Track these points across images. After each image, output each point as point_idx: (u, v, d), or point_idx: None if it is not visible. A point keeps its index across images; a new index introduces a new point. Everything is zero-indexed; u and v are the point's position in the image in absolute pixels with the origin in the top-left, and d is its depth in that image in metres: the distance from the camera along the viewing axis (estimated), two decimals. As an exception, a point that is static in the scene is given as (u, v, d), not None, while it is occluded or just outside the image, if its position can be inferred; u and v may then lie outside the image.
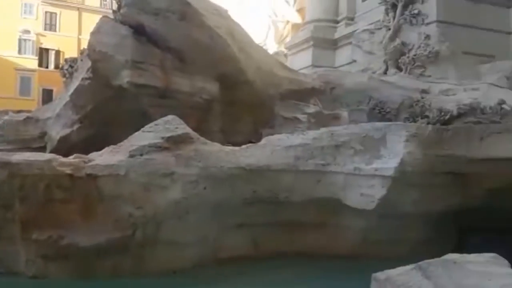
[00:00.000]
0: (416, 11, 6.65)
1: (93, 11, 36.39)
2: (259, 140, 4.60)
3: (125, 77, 4.92)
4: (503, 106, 4.81)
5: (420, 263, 2.03)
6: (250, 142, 4.75)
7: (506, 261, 2.25)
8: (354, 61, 8.14)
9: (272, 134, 4.78)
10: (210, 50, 5.23)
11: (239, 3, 13.89)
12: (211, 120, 5.45)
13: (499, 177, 3.87)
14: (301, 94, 6.16)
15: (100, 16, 5.89)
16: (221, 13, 5.75)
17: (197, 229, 3.76)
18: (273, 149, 4.27)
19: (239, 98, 5.56)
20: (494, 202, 3.97)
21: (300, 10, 13.69)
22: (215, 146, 4.17)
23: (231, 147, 4.30)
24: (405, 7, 6.78)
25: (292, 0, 14.37)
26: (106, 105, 5.35)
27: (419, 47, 6.33)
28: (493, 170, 3.86)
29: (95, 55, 5.16)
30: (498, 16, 6.84)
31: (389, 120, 5.53)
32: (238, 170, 3.98)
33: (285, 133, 4.71)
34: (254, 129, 5.68)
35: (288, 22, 14.29)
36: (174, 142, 3.86)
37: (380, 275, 2.07)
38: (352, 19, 10.00)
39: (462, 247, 3.73)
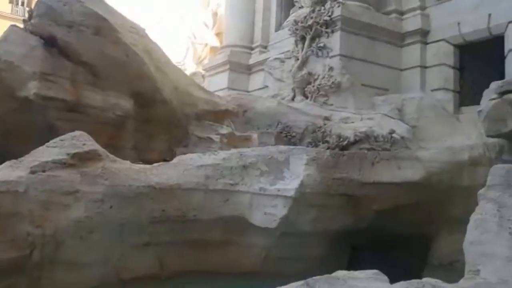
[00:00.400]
0: (322, 44, 7.05)
1: (3, 16, 33.70)
2: (173, 158, 4.57)
3: (32, 89, 4.63)
4: (393, 135, 5.25)
5: (308, 279, 2.15)
6: (164, 160, 4.70)
7: (385, 277, 2.44)
8: (266, 86, 8.40)
9: (185, 153, 4.77)
10: (125, 67, 5.12)
11: (159, 23, 13.76)
12: (124, 137, 5.29)
13: (385, 199, 4.21)
14: (216, 115, 6.22)
15: (11, 22, 5.53)
16: (139, 31, 5.67)
17: (100, 249, 3.59)
18: (185, 168, 4.26)
19: (154, 116, 5.48)
20: (381, 222, 4.29)
21: (218, 34, 13.87)
22: (125, 164, 4.06)
23: (141, 165, 4.21)
24: (312, 40, 7.17)
25: (211, 23, 14.55)
26: (9, 116, 4.96)
27: (324, 77, 6.71)
28: (380, 193, 4.18)
29: (0, 64, 4.82)
30: (391, 54, 7.44)
31: (295, 143, 5.77)
32: (148, 189, 3.90)
33: (199, 152, 4.73)
34: (168, 147, 5.62)
35: (206, 44, 14.41)
36: (80, 159, 3.69)
37: (272, 292, 2.15)
38: (265, 47, 10.35)
39: (355, 264, 3.96)
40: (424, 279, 2.27)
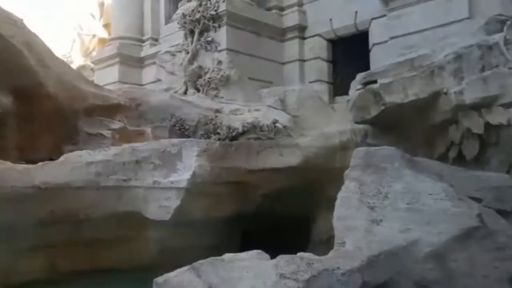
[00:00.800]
0: (210, 39, 7.14)
1: None
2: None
3: None
4: (276, 124, 5.57)
5: (193, 264, 2.27)
6: (51, 159, 4.46)
7: (267, 255, 2.61)
8: (159, 80, 8.28)
9: (74, 151, 4.57)
10: (2, 60, 4.72)
11: (40, 13, 12.66)
12: (5, 136, 4.90)
13: (270, 184, 4.48)
14: (107, 110, 6.00)
15: None
16: (16, 22, 5.21)
17: (-18, 255, 3.36)
18: (73, 166, 4.11)
19: (39, 113, 5.14)
20: (269, 206, 4.57)
21: (106, 25, 13.18)
22: (6, 165, 3.79)
23: (25, 165, 3.96)
24: (201, 34, 7.23)
25: (98, 14, 13.77)
26: None
27: (213, 71, 6.82)
28: (266, 179, 4.45)
29: None
30: (274, 48, 7.80)
31: (188, 136, 5.82)
32: (33, 190, 3.71)
33: (89, 149, 4.56)
34: (55, 145, 5.30)
35: (94, 36, 13.60)
36: (-45, 162, 3.38)
37: (160, 279, 2.23)
38: (156, 39, 10.16)
39: (248, 248, 4.16)
40: (298, 254, 2.50)
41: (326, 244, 4.44)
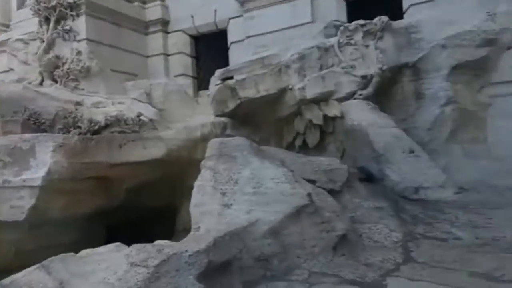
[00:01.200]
0: (68, 27, 6.70)
1: None
2: None
3: None
4: (141, 118, 5.54)
5: (43, 262, 2.23)
6: None
7: (126, 246, 2.69)
8: (11, 69, 7.52)
9: None
10: None
11: None
12: None
13: (134, 177, 4.48)
14: None
15: None
16: None
17: None
18: None
19: None
20: (135, 199, 4.57)
21: None
22: None
23: None
24: (57, 22, 6.74)
25: None
26: None
27: (72, 61, 6.44)
28: (129, 172, 4.43)
29: None
30: (138, 41, 7.62)
31: (45, 130, 5.45)
32: None
33: None
34: None
35: None
36: None
37: (6, 280, 2.15)
38: (7, 26, 9.11)
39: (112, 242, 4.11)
40: (156, 242, 2.63)
41: (189, 232, 4.62)
